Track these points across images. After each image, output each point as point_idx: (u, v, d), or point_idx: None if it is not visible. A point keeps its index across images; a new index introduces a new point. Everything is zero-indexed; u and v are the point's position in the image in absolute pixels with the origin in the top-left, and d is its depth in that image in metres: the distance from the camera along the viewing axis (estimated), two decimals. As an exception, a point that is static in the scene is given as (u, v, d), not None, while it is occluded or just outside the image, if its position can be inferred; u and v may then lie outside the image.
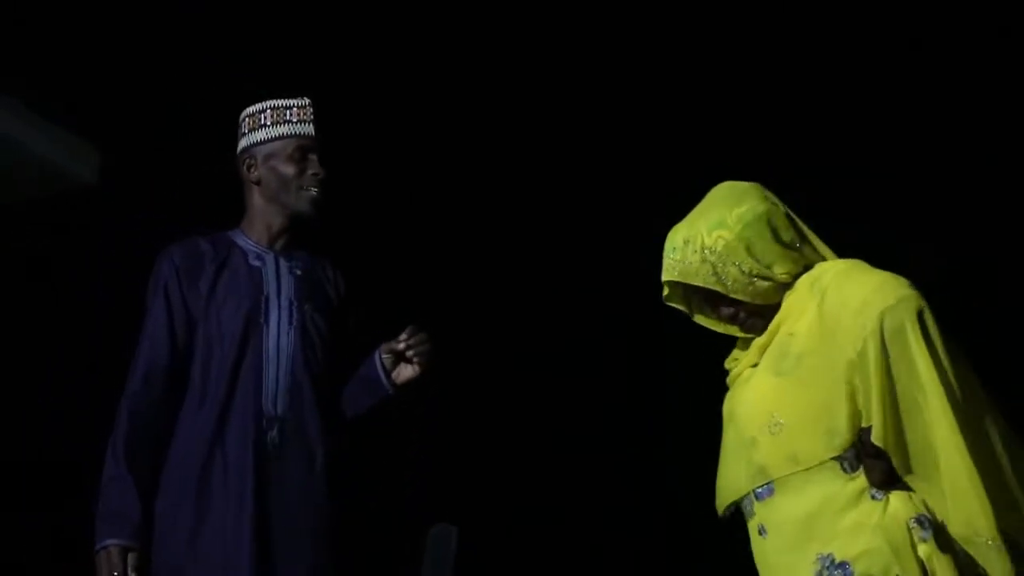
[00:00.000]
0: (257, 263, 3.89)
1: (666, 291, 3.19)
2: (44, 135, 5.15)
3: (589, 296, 6.82)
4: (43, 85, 5.19)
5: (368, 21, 6.05)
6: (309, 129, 3.92)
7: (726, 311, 3.11)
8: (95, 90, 5.51)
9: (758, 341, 3.11)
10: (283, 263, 3.91)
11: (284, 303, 3.87)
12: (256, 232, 3.95)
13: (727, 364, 3.22)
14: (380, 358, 3.94)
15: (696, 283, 3.06)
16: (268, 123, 3.94)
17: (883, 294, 2.91)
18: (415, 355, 3.93)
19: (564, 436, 6.89)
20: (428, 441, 6.22)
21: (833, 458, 2.90)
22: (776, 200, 3.12)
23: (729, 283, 3.02)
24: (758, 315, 3.09)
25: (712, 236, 3.03)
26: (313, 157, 3.90)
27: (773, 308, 3.08)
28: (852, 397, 2.88)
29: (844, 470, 2.89)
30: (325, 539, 3.75)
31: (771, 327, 3.08)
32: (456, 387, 5.80)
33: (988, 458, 2.86)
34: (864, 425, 2.86)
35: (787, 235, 3.07)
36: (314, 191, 3.89)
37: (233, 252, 3.90)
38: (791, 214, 3.11)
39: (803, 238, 3.10)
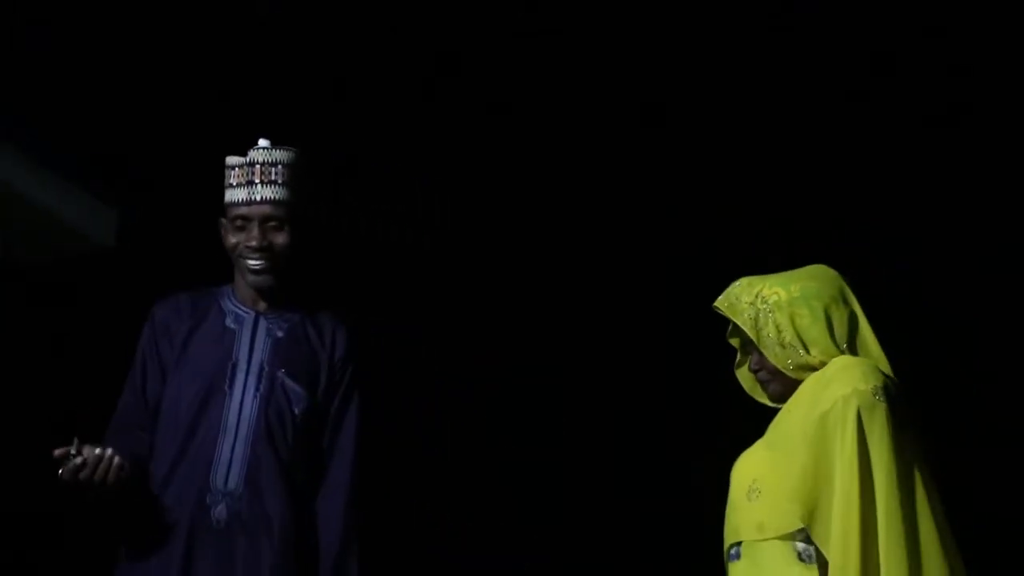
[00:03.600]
0: (233, 325, 3.64)
1: (730, 329, 3.26)
2: (62, 196, 5.14)
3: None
4: (63, 146, 5.20)
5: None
6: (244, 194, 3.57)
7: (755, 361, 3.18)
8: (114, 151, 5.53)
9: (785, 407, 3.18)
10: (263, 324, 3.63)
11: (254, 369, 3.57)
12: (240, 292, 3.68)
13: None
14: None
15: (735, 320, 3.15)
16: (226, 184, 3.66)
17: (846, 383, 2.96)
18: None
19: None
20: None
21: (795, 543, 2.92)
22: (851, 299, 3.17)
23: (763, 335, 3.10)
24: (779, 382, 3.14)
25: (771, 290, 3.12)
26: (252, 223, 3.57)
27: (795, 383, 3.12)
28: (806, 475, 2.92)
29: (800, 559, 2.93)
30: None
31: (785, 406, 3.15)
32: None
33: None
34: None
35: (839, 329, 3.13)
36: (252, 262, 3.58)
37: (212, 312, 3.66)
38: (858, 316, 3.14)
39: (856, 340, 3.12)
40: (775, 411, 3.39)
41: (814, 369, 3.12)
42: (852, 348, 3.13)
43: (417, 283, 6.86)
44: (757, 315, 3.13)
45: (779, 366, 3.14)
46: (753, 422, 3.45)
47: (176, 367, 3.60)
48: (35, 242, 5.21)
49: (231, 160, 3.62)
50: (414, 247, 6.91)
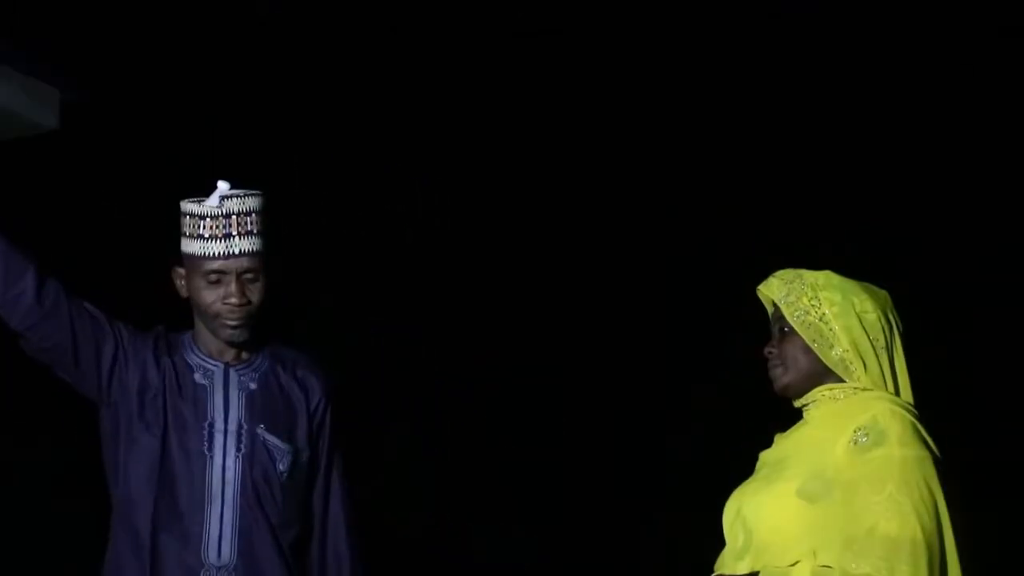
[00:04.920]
0: (203, 381, 3.36)
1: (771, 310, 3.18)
2: (4, 80, 4.98)
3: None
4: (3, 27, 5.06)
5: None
6: (221, 247, 3.29)
7: (775, 336, 3.07)
8: (57, 32, 5.42)
9: (786, 439, 3.09)
10: (234, 376, 3.38)
11: (232, 427, 3.31)
12: (203, 342, 3.40)
13: (763, 454, 3.18)
14: None
15: (768, 291, 3.05)
16: (187, 232, 3.34)
17: (893, 443, 2.90)
18: None
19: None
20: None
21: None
22: (895, 327, 3.08)
23: (791, 301, 3.01)
24: (784, 368, 3.06)
25: (821, 280, 3.02)
26: (229, 278, 3.29)
27: (804, 379, 3.05)
28: None
29: None
30: None
31: (799, 436, 3.06)
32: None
33: None
34: None
35: (872, 344, 3.03)
36: (229, 321, 3.30)
37: (179, 364, 3.37)
38: (895, 347, 3.07)
39: (884, 361, 3.06)
40: (772, 411, 3.32)
41: (827, 375, 3.05)
42: (874, 363, 3.05)
43: (417, 283, 6.85)
44: (789, 288, 3.05)
45: (799, 353, 3.04)
46: (753, 422, 3.43)
47: (141, 418, 3.34)
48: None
49: (197, 209, 3.34)
50: (413, 247, 6.91)
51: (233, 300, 3.29)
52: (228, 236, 3.29)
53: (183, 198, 3.38)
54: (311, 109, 6.64)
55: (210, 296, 3.31)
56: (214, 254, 3.29)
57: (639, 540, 6.93)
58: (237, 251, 3.29)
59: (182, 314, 3.42)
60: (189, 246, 3.33)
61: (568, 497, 7.00)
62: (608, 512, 6.97)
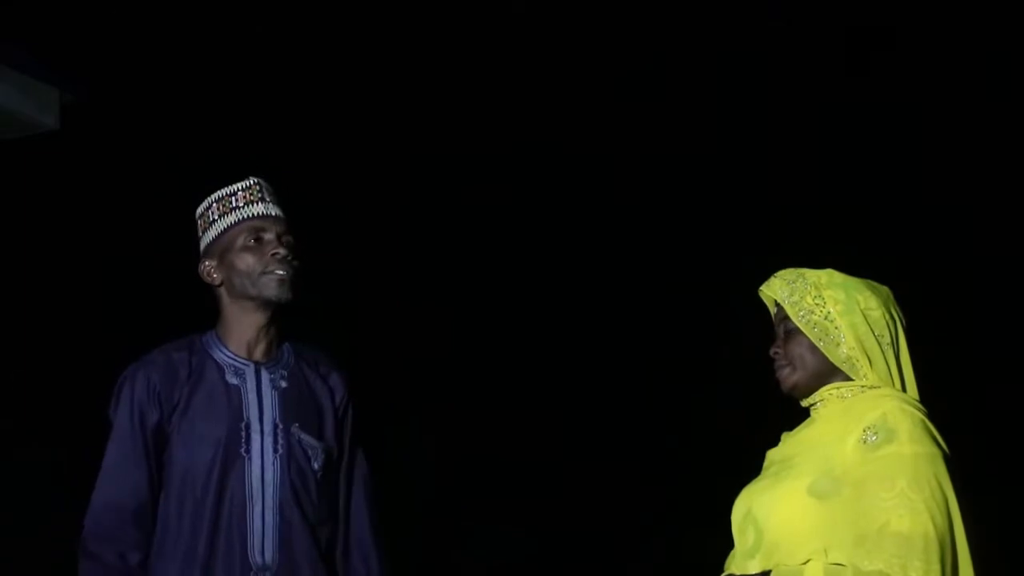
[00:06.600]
0: (235, 380, 3.33)
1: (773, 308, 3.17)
2: (4, 80, 4.97)
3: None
4: (4, 30, 5.05)
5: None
6: (259, 208, 3.37)
7: (779, 336, 3.06)
8: (57, 32, 5.43)
9: (794, 437, 3.08)
10: (265, 376, 3.35)
11: (267, 427, 3.30)
12: (233, 340, 3.36)
13: (770, 452, 3.17)
14: None
15: (771, 291, 3.04)
16: (216, 217, 3.38)
17: (904, 440, 2.89)
18: None
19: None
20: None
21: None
22: (899, 323, 3.07)
23: (795, 301, 3.00)
24: (792, 368, 3.05)
25: (824, 278, 3.01)
26: (270, 236, 3.32)
27: (811, 378, 3.04)
28: None
29: None
30: None
31: (807, 434, 3.05)
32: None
33: None
34: None
35: (877, 341, 3.02)
36: (279, 272, 3.30)
37: (208, 366, 3.33)
38: (900, 343, 3.06)
39: (890, 357, 3.05)
40: (776, 410, 3.31)
41: (834, 373, 3.04)
42: (879, 361, 3.03)
43: (417, 283, 6.86)
44: (793, 288, 3.05)
45: (805, 351, 3.02)
46: (758, 421, 3.42)
47: (179, 433, 3.29)
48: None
49: (226, 190, 3.40)
50: (412, 246, 6.92)
51: (281, 251, 3.30)
52: (263, 200, 3.40)
53: (183, 199, 3.44)
54: (310, 109, 6.65)
55: (253, 256, 3.33)
56: (253, 215, 3.36)
57: (643, 540, 6.93)
58: (274, 213, 3.37)
59: (180, 313, 3.42)
60: (222, 223, 3.40)
61: (568, 497, 7.00)
62: (610, 512, 6.98)
